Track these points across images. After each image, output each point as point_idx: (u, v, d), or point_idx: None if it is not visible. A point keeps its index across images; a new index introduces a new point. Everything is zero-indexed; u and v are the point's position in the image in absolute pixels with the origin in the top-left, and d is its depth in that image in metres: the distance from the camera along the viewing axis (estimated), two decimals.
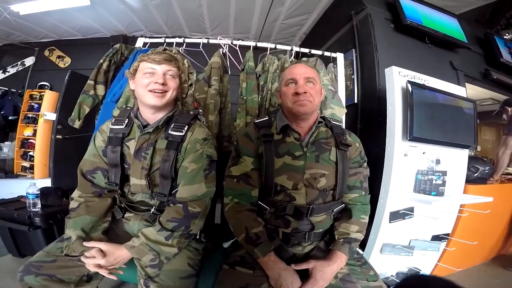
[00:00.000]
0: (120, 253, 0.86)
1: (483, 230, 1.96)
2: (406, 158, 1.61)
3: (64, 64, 4.29)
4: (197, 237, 1.03)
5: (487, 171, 2.00)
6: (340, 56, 1.98)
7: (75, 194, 0.97)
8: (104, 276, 0.88)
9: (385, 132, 1.66)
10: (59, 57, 4.30)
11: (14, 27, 3.69)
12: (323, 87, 1.05)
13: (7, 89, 4.05)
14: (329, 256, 0.91)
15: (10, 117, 3.94)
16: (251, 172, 0.98)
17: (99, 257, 0.83)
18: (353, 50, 2.18)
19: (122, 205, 1.01)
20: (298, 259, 0.96)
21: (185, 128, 0.98)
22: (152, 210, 0.98)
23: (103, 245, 0.87)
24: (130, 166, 0.98)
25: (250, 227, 0.91)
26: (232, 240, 1.06)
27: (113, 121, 1.03)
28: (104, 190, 1.00)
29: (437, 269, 1.81)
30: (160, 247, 0.86)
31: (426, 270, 1.77)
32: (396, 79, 1.63)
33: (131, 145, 0.99)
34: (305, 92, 0.94)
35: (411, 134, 1.55)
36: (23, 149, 3.77)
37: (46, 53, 4.32)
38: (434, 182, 1.59)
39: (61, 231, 1.69)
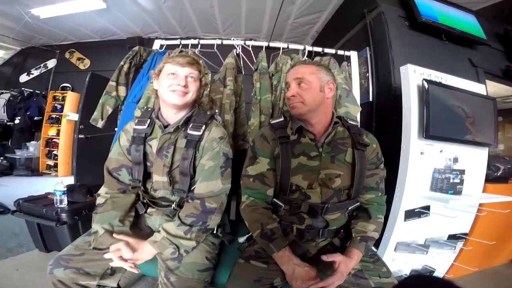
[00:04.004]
0: (145, 248, 0.90)
1: (503, 230, 1.90)
2: (422, 157, 1.59)
3: (84, 66, 4.46)
4: (214, 232, 1.07)
5: (508, 170, 1.94)
6: (354, 54, 1.97)
7: (102, 190, 1.03)
8: (126, 269, 0.91)
9: (400, 130, 1.64)
10: (79, 59, 4.47)
11: (35, 30, 3.88)
12: (330, 81, 1.02)
13: (32, 90, 4.25)
14: (347, 253, 0.91)
15: (35, 118, 4.15)
16: (266, 172, 1.01)
17: (126, 250, 0.87)
18: (367, 48, 2.15)
19: (145, 201, 1.07)
20: (312, 255, 0.98)
21: (203, 128, 1.03)
22: (173, 205, 1.03)
23: (130, 239, 0.91)
24: (152, 164, 1.04)
25: (265, 223, 0.93)
26: (247, 235, 1.09)
27: (136, 121, 1.08)
28: (128, 187, 1.06)
29: (453, 268, 1.78)
30: (180, 241, 0.90)
31: (441, 269, 1.75)
32: (412, 77, 1.61)
33: (154, 144, 1.05)
34: (293, 96, 0.98)
35: (427, 132, 1.53)
36: (48, 148, 3.96)
37: (67, 55, 4.50)
38: (451, 180, 1.57)
39: (85, 226, 1.74)
